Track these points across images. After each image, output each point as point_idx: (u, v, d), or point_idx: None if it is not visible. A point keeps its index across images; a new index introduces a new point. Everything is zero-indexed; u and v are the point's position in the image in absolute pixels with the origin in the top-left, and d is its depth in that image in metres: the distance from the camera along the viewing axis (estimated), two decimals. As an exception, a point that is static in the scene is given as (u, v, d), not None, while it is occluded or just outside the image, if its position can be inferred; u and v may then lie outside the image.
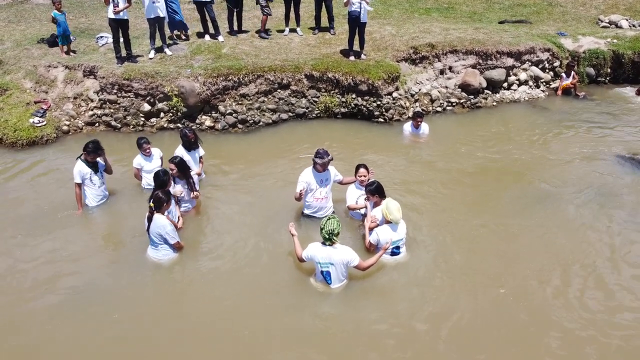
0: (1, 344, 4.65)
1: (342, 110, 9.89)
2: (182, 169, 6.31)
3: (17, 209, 6.85)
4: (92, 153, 6.50)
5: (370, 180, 6.02)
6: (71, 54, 10.54)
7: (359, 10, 9.67)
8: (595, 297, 5.14)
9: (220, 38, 10.87)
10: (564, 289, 5.26)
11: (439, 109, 10.34)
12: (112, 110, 9.43)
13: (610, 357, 4.49)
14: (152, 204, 5.53)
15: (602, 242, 6.03)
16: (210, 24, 10.86)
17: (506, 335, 4.71)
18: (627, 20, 13.48)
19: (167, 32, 10.36)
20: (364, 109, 9.79)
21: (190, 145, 7.16)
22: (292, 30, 11.58)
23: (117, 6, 9.20)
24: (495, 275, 5.47)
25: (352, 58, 10.15)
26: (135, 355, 4.59)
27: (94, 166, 6.60)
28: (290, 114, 9.82)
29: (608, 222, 6.44)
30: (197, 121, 9.48)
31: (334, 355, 4.55)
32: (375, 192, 5.80)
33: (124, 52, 9.92)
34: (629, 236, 6.15)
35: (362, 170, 6.26)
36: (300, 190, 6.07)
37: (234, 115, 9.50)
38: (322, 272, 5.14)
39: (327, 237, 5.00)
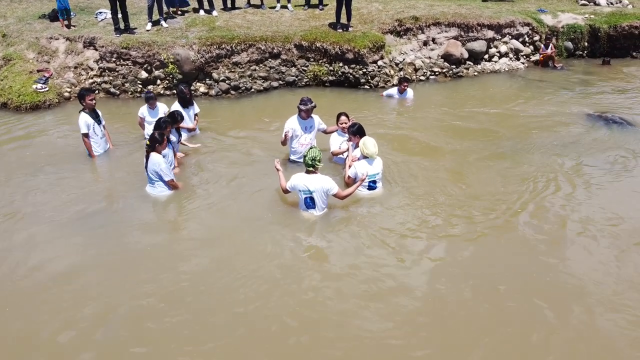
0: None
1: (330, 78, 10.41)
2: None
3: (29, 157, 7.36)
4: (85, 95, 6.94)
5: (351, 123, 6.52)
6: (71, 27, 11.04)
7: (345, -18, 10.21)
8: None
9: (215, 13, 11.40)
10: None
11: (422, 77, 10.88)
12: (111, 78, 9.95)
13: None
14: (148, 142, 6.04)
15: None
16: (205, 0, 11.39)
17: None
18: (605, -2, 14.06)
19: (164, 7, 10.89)
20: (351, 76, 10.32)
21: (186, 102, 7.69)
22: (283, 7, 12.11)
23: None
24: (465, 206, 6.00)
25: (339, 30, 10.67)
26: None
27: (96, 117, 7.11)
28: (280, 82, 10.35)
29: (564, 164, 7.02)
30: (192, 87, 9.99)
31: (323, 266, 5.07)
32: (357, 132, 6.29)
33: (122, 25, 10.44)
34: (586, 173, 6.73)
35: (342, 118, 6.77)
36: (286, 133, 6.58)
37: (226, 82, 10.02)
38: (305, 199, 5.64)
39: (310, 163, 5.49)
